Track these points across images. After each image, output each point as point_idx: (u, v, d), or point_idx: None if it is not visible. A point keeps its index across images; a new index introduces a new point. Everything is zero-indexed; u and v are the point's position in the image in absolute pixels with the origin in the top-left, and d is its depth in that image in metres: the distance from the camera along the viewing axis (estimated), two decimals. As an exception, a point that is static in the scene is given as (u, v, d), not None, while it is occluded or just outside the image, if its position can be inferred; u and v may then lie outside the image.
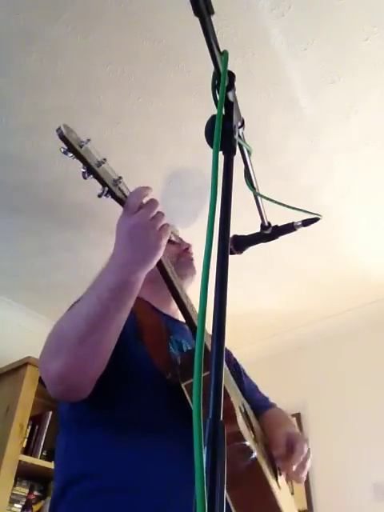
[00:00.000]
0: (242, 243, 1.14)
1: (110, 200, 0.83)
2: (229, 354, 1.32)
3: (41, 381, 2.46)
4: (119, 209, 0.88)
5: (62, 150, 0.71)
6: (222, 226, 0.59)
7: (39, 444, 2.50)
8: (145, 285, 1.17)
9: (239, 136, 0.79)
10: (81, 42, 1.62)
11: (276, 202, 0.94)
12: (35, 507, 2.45)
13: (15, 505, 2.37)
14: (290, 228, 1.08)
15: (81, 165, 0.76)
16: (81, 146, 0.72)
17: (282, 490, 0.98)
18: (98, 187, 0.79)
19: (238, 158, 0.75)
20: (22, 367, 2.47)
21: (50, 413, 2.62)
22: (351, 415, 2.57)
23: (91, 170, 0.76)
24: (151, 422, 0.90)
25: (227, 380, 0.99)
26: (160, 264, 0.89)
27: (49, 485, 2.53)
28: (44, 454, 2.52)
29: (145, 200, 0.86)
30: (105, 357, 0.85)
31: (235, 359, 1.34)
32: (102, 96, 1.79)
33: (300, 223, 1.06)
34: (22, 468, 2.29)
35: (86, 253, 2.54)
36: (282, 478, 1.04)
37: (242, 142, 0.82)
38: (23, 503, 2.41)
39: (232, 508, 0.82)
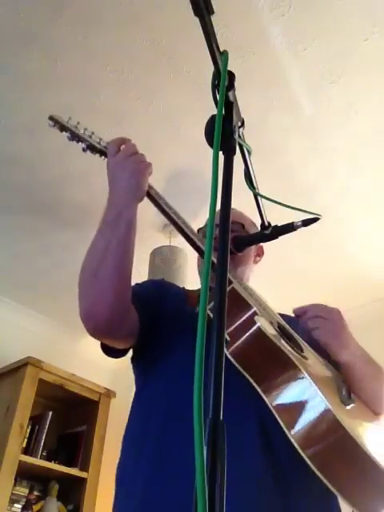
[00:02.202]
0: (242, 243, 1.14)
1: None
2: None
3: (41, 381, 2.47)
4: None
5: (51, 123, 0.88)
6: (222, 226, 0.59)
7: (39, 444, 2.50)
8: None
9: (239, 136, 0.79)
10: (81, 41, 1.62)
11: (276, 202, 0.95)
12: (35, 507, 2.45)
13: (15, 505, 2.37)
14: (289, 228, 1.08)
15: (66, 135, 0.98)
16: (67, 122, 0.92)
17: (351, 411, 0.89)
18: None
19: (238, 158, 0.75)
20: (21, 367, 2.48)
21: (50, 413, 2.62)
22: (351, 415, 2.57)
23: (74, 135, 0.97)
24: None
25: (249, 296, 0.99)
26: (150, 196, 1.00)
27: (49, 485, 2.54)
28: (44, 453, 2.52)
29: (123, 147, 1.01)
30: (119, 287, 0.92)
31: None
32: (102, 96, 1.79)
33: (300, 223, 1.06)
34: (22, 468, 2.29)
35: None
36: (358, 408, 0.94)
37: (242, 142, 0.83)
38: (23, 503, 2.41)
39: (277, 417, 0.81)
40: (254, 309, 0.90)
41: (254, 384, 0.85)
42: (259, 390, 0.84)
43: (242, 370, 0.85)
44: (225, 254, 0.56)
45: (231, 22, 1.53)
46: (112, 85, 1.75)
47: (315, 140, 1.92)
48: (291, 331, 1.03)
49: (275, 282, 2.72)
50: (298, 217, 1.06)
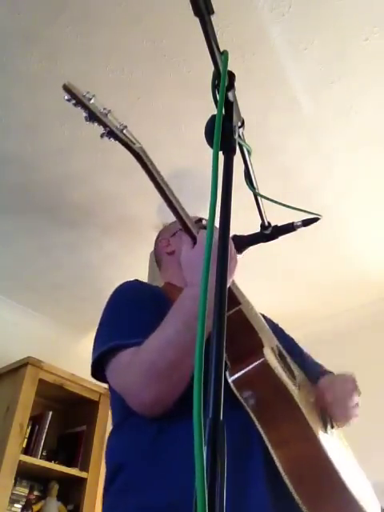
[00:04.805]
0: (241, 243, 1.14)
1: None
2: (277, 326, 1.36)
3: (41, 381, 2.47)
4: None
5: (66, 97, 0.72)
6: (222, 226, 0.59)
7: (39, 444, 2.50)
8: (175, 268, 1.21)
9: (239, 136, 0.79)
10: (81, 41, 1.62)
11: (276, 202, 0.95)
12: (35, 507, 2.44)
13: (15, 505, 2.37)
14: (290, 228, 1.08)
15: (83, 110, 0.76)
16: (84, 96, 0.74)
17: (333, 441, 0.96)
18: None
19: (238, 158, 0.75)
20: (22, 367, 2.47)
21: (50, 413, 2.62)
22: (351, 415, 2.57)
23: (93, 115, 0.76)
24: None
25: (255, 318, 0.98)
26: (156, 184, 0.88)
27: (49, 485, 2.54)
28: (44, 453, 2.52)
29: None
30: (191, 376, 0.87)
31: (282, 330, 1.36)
32: (101, 96, 1.78)
33: (300, 223, 1.06)
34: (21, 468, 2.29)
35: (85, 253, 2.54)
36: (336, 434, 1.02)
37: (242, 142, 0.83)
38: (23, 503, 2.41)
39: (272, 452, 0.81)
40: (262, 338, 0.90)
41: (252, 415, 0.84)
42: (256, 421, 0.84)
43: (241, 400, 0.84)
44: (225, 253, 0.56)
45: (231, 22, 1.53)
46: (112, 85, 1.75)
47: (315, 140, 1.92)
48: (284, 353, 1.05)
49: (275, 282, 2.72)
50: (298, 217, 1.06)
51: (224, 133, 0.66)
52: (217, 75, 0.72)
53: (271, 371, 0.85)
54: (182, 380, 0.86)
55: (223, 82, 0.68)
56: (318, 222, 1.04)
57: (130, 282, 1.15)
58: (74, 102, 0.72)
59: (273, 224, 1.11)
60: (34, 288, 2.87)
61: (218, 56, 0.70)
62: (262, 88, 1.74)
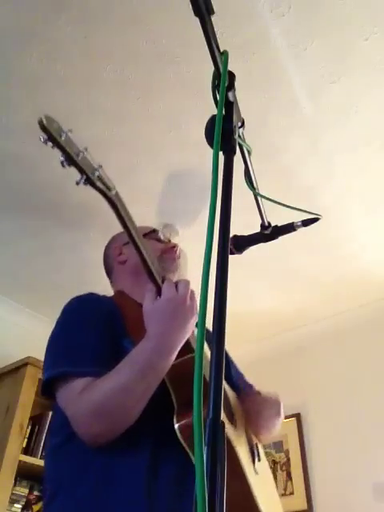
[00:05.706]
0: (242, 243, 1.14)
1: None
2: None
3: (41, 381, 2.47)
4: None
5: (42, 139, 0.66)
6: (222, 226, 0.59)
7: (39, 444, 2.50)
8: (127, 278, 1.21)
9: (239, 136, 0.79)
10: (81, 42, 1.62)
11: (276, 202, 0.95)
12: (35, 507, 2.44)
13: (15, 505, 2.37)
14: (290, 228, 1.08)
15: (60, 153, 0.70)
16: (61, 136, 0.68)
17: (259, 475, 1.03)
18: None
19: (238, 158, 0.75)
20: (22, 367, 2.47)
21: (50, 413, 2.62)
22: (351, 415, 2.57)
23: (70, 159, 0.71)
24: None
25: (207, 366, 1.01)
26: (137, 246, 0.87)
27: (49, 485, 2.54)
28: (44, 454, 2.52)
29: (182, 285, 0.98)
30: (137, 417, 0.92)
31: None
32: (102, 96, 1.79)
33: (300, 223, 1.06)
34: (22, 468, 2.29)
35: (86, 253, 2.54)
36: (262, 465, 1.08)
37: (241, 142, 0.83)
38: (23, 503, 2.41)
39: None
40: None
41: (192, 458, 0.89)
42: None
43: (186, 446, 0.89)
44: (225, 253, 0.56)
45: (231, 22, 1.53)
46: (112, 85, 1.75)
47: (315, 140, 1.92)
48: (226, 392, 1.09)
49: (275, 282, 2.72)
50: (298, 217, 1.06)
51: (224, 133, 0.66)
52: (217, 75, 0.72)
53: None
54: (129, 422, 0.90)
55: (223, 82, 0.68)
56: (318, 221, 1.04)
57: (82, 298, 1.16)
58: (50, 144, 0.66)
59: (273, 224, 1.11)
60: (35, 288, 2.87)
61: (218, 56, 0.71)
62: (261, 88, 1.74)
